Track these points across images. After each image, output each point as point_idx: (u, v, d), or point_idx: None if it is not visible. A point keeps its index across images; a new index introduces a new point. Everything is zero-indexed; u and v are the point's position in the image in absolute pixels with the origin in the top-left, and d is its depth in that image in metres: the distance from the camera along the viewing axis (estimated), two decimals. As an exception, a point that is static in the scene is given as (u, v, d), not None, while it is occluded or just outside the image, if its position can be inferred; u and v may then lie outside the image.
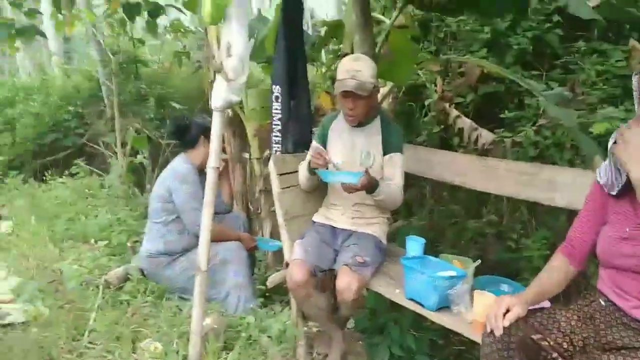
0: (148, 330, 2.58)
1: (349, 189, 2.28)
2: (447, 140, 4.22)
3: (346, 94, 2.36)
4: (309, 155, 2.47)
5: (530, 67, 4.04)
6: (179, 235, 3.08)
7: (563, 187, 2.21)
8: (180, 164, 3.10)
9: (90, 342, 2.50)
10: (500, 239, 3.65)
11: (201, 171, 2.97)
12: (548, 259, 1.83)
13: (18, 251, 3.53)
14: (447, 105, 4.36)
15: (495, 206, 3.77)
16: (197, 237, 2.87)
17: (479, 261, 2.16)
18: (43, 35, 5.94)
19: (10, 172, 5.58)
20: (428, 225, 3.96)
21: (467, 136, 4.03)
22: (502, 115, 3.84)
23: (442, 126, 4.29)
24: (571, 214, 3.06)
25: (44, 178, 5.51)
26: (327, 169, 2.42)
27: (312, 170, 2.44)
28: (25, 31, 4.98)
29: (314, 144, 2.59)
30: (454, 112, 4.24)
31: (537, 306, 1.72)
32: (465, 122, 4.09)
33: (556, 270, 1.76)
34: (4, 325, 2.61)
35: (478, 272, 2.34)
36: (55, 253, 3.51)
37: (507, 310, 1.61)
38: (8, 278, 3.03)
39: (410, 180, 4.08)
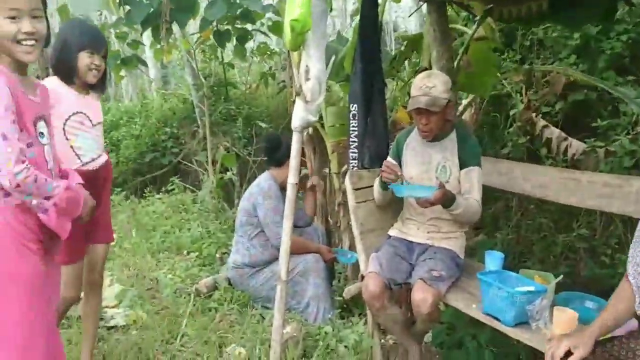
0: (233, 336, 2.74)
1: (424, 203, 2.28)
2: (535, 151, 4.06)
3: (419, 111, 2.38)
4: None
5: (626, 72, 3.80)
6: (262, 248, 3.23)
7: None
8: (264, 181, 3.26)
9: (182, 345, 2.70)
10: (593, 255, 3.44)
11: (284, 188, 3.11)
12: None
13: (121, 261, 3.87)
14: (533, 115, 4.20)
15: (587, 219, 3.56)
16: (279, 249, 3.01)
17: (561, 277, 2.07)
18: (144, 63, 6.49)
19: (114, 190, 6.11)
20: (515, 239, 3.82)
21: (556, 146, 3.85)
22: (594, 124, 3.64)
23: (529, 137, 4.14)
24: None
25: (144, 194, 5.99)
26: (401, 183, 2.44)
27: (384, 185, 2.47)
28: (129, 61, 5.49)
29: (388, 159, 2.62)
30: (541, 122, 4.07)
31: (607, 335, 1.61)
32: (554, 132, 3.92)
33: (626, 300, 1.58)
34: (109, 328, 2.88)
35: (568, 288, 2.24)
36: (152, 263, 3.81)
37: (569, 352, 1.50)
38: (112, 285, 3.34)
39: (496, 193, 3.98)
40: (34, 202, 1.58)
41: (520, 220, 3.92)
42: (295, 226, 3.28)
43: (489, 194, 4.11)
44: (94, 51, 2.18)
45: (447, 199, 2.26)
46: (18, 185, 1.49)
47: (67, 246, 1.95)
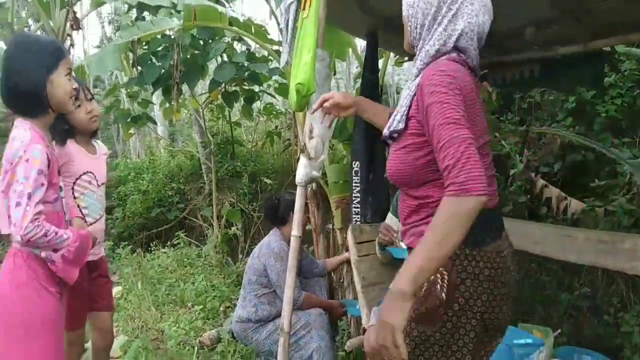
0: (236, 390, 2.72)
1: None
2: (535, 210, 4.14)
3: None
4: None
5: (622, 134, 3.93)
6: (270, 306, 3.25)
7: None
8: (274, 241, 3.31)
9: (184, 400, 2.68)
10: (597, 313, 3.44)
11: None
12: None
13: (126, 313, 3.89)
14: (533, 174, 4.31)
15: (589, 278, 3.59)
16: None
17: (559, 331, 2.11)
18: (154, 121, 6.74)
19: (121, 243, 6.18)
20: (517, 297, 3.82)
21: (556, 206, 3.94)
22: (592, 184, 3.74)
23: (529, 196, 4.23)
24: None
25: (149, 248, 6.04)
26: (396, 245, 2.50)
27: (382, 246, 2.54)
28: (139, 119, 5.71)
29: (386, 220, 2.68)
30: (541, 182, 4.18)
31: None
32: (553, 192, 4.02)
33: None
34: (112, 380, 2.87)
35: (563, 344, 2.26)
36: (157, 315, 3.83)
37: None
38: (118, 336, 3.34)
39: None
40: (43, 254, 1.71)
41: (523, 278, 3.94)
42: (305, 277, 3.34)
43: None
44: (85, 98, 2.22)
45: None
46: (29, 240, 1.61)
47: (71, 314, 2.02)
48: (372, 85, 3.19)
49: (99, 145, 2.46)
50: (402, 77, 18.57)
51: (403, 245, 2.34)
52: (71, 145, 2.23)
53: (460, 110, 1.27)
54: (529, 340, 1.96)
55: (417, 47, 1.49)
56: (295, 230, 2.44)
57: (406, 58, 3.59)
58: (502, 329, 1.53)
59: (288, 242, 3.23)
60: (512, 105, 4.90)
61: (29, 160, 1.62)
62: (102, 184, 2.37)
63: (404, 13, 1.53)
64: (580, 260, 2.46)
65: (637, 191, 3.41)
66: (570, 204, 3.85)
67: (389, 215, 2.72)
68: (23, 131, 1.68)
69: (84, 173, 2.23)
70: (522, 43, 2.69)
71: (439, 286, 1.41)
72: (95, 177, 2.29)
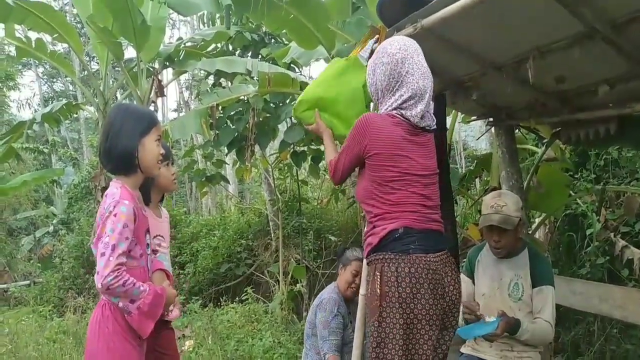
0: None
1: (490, 338, 2.30)
2: (615, 272, 3.92)
3: (491, 228, 2.47)
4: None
5: None
6: None
7: None
8: (327, 292, 3.32)
9: None
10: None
11: (348, 299, 3.20)
12: None
13: (197, 368, 3.97)
14: (612, 235, 4.11)
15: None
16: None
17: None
18: (227, 180, 7.07)
19: (192, 298, 6.37)
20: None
21: (638, 268, 3.71)
22: (679, 245, 3.52)
23: (608, 257, 4.02)
24: None
25: (219, 303, 6.19)
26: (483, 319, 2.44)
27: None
28: (213, 178, 6.03)
29: (464, 301, 2.61)
30: (621, 242, 3.96)
31: None
32: (635, 253, 3.79)
33: None
34: None
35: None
36: (226, 371, 3.88)
37: None
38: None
39: (576, 316, 3.80)
40: (121, 304, 1.81)
41: (604, 345, 3.69)
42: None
43: (568, 316, 3.93)
44: (168, 161, 2.35)
45: (511, 327, 2.26)
46: (108, 288, 1.72)
47: None
48: (439, 143, 3.22)
49: (163, 210, 2.59)
50: (470, 134, 18.45)
51: (489, 318, 2.30)
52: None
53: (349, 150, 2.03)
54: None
55: (378, 107, 2.05)
56: (362, 289, 2.46)
57: (474, 117, 3.62)
58: (442, 322, 1.90)
59: (340, 294, 3.25)
60: (587, 162, 4.75)
61: (117, 214, 1.77)
62: (168, 246, 2.47)
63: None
64: (668, 327, 2.29)
65: None
66: (655, 266, 3.62)
67: (462, 276, 2.68)
68: (115, 189, 1.85)
69: (155, 236, 2.30)
70: (596, 101, 2.65)
71: (377, 284, 1.85)
72: (164, 239, 2.41)
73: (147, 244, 1.98)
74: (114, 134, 1.88)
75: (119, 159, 1.89)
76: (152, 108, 6.06)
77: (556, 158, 3.87)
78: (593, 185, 4.33)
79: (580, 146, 3.93)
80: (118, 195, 1.82)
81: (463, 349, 2.61)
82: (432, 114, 2.04)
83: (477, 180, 5.63)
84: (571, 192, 4.34)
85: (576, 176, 4.76)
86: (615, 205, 4.11)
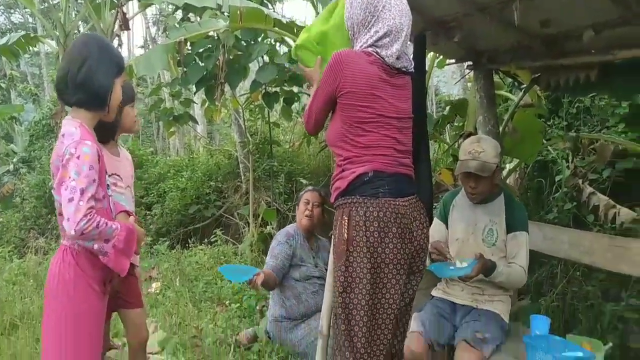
0: (273, 390, 2.71)
1: (465, 278, 2.30)
2: (581, 218, 4.01)
3: (468, 175, 2.43)
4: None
5: (676, 141, 3.77)
6: (296, 300, 3.25)
7: None
8: (288, 226, 3.45)
9: (221, 397, 2.69)
10: (645, 326, 3.29)
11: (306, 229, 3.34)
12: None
13: (164, 309, 3.94)
14: (580, 181, 4.17)
15: (638, 288, 3.44)
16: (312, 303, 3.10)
17: (610, 344, 2.01)
18: (195, 120, 6.85)
19: (159, 239, 6.29)
20: (560, 307, 3.70)
21: (604, 214, 3.79)
22: (644, 192, 3.60)
23: (575, 203, 4.10)
24: None
25: (187, 245, 6.14)
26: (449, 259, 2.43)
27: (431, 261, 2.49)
28: (180, 117, 5.80)
29: (435, 241, 2.59)
30: (588, 189, 4.04)
31: None
32: (601, 199, 3.87)
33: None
34: (151, 375, 2.91)
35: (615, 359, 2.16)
36: (194, 312, 3.87)
37: None
38: (156, 332, 3.39)
39: (540, 258, 3.90)
40: (96, 246, 1.74)
41: (566, 287, 3.82)
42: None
43: (534, 259, 4.03)
44: (133, 103, 2.34)
45: (486, 269, 2.27)
46: (82, 233, 1.64)
47: None
48: (418, 86, 3.14)
49: (122, 150, 2.48)
50: (442, 79, 18.37)
51: (459, 264, 2.29)
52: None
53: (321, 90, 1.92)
54: (580, 354, 1.88)
55: (354, 44, 1.94)
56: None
57: (453, 60, 3.52)
58: (410, 267, 1.90)
59: (298, 229, 3.31)
60: (560, 110, 4.76)
61: (80, 156, 1.66)
62: (128, 186, 2.38)
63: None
64: (633, 272, 2.34)
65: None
66: (619, 212, 3.70)
67: (435, 220, 2.66)
68: (73, 129, 1.72)
69: (111, 175, 2.20)
70: (579, 47, 2.59)
71: (344, 228, 1.83)
72: (120, 178, 2.31)
73: (108, 185, 1.87)
74: (92, 67, 1.75)
75: (94, 94, 1.77)
76: (116, 42, 5.72)
77: (532, 104, 3.84)
78: (566, 133, 4.35)
79: (558, 93, 3.89)
80: (78, 135, 1.70)
81: (434, 292, 2.63)
82: (409, 56, 1.95)
83: (448, 126, 5.60)
84: (543, 139, 4.36)
85: (548, 123, 4.78)
86: (588, 152, 4.14)
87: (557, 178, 4.38)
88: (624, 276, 3.08)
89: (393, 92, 1.88)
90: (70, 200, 1.63)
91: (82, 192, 1.64)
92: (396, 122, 1.89)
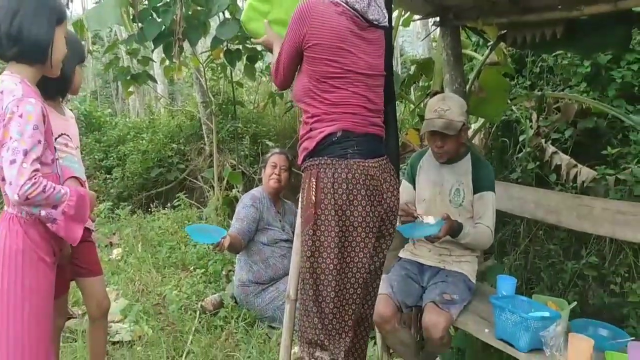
0: (239, 355, 2.70)
1: (432, 239, 2.30)
2: (544, 177, 4.06)
3: (434, 133, 2.39)
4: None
5: (636, 100, 3.82)
6: (264, 264, 3.22)
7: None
8: (254, 189, 3.43)
9: (187, 363, 2.65)
10: (603, 283, 3.41)
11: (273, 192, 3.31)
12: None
13: (126, 275, 3.85)
14: (543, 141, 4.21)
15: (597, 247, 3.54)
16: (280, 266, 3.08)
17: (575, 303, 2.05)
18: (154, 80, 6.56)
19: (120, 204, 6.11)
20: (523, 265, 3.79)
21: (565, 173, 3.85)
22: (604, 152, 3.65)
23: (538, 163, 4.14)
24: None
25: (149, 209, 5.99)
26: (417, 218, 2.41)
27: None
28: (138, 76, 5.54)
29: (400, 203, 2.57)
30: (551, 149, 4.08)
31: None
32: (563, 159, 3.92)
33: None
34: (114, 343, 2.84)
35: (578, 316, 2.22)
36: (158, 278, 3.79)
37: None
38: (118, 299, 3.30)
39: (504, 218, 3.96)
40: (43, 212, 1.60)
41: (529, 246, 3.90)
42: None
43: (498, 219, 4.10)
44: (83, 63, 2.19)
45: (453, 231, 2.27)
46: (27, 198, 1.51)
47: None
48: (385, 44, 3.04)
49: (65, 108, 2.32)
50: (407, 39, 18.20)
51: (426, 219, 2.27)
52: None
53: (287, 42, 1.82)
54: (546, 314, 1.91)
55: None
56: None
57: (420, 16, 3.42)
58: (379, 230, 1.86)
59: (264, 193, 3.26)
60: (523, 70, 4.75)
61: (23, 115, 1.52)
62: (77, 147, 2.25)
63: None
64: (596, 231, 2.39)
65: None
66: (580, 171, 3.77)
67: (403, 181, 2.63)
68: (13, 85, 1.56)
69: (60, 135, 2.08)
70: (546, 2, 2.53)
71: (312, 191, 1.78)
72: (70, 138, 2.18)
73: (55, 148, 1.73)
74: (27, 16, 1.58)
75: (32, 45, 1.60)
76: (64, -4, 5.37)
77: (499, 62, 3.79)
78: (531, 92, 4.36)
79: (525, 50, 3.86)
80: (19, 91, 1.54)
81: (402, 254, 2.62)
82: (382, 9, 1.85)
83: (413, 86, 5.54)
84: (509, 100, 4.35)
85: (513, 83, 4.77)
86: (552, 111, 4.17)
87: (521, 138, 4.41)
88: (585, 235, 3.16)
89: (364, 47, 1.79)
90: (13, 162, 1.50)
91: (26, 153, 1.51)
92: (367, 79, 1.80)
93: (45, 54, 1.64)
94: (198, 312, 3.17)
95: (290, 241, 3.27)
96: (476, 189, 2.41)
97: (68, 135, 2.16)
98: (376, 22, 1.81)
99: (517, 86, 4.74)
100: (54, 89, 2.06)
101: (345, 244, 1.78)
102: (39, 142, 1.55)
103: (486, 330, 2.12)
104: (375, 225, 1.82)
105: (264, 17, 2.03)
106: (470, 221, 2.38)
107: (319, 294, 1.80)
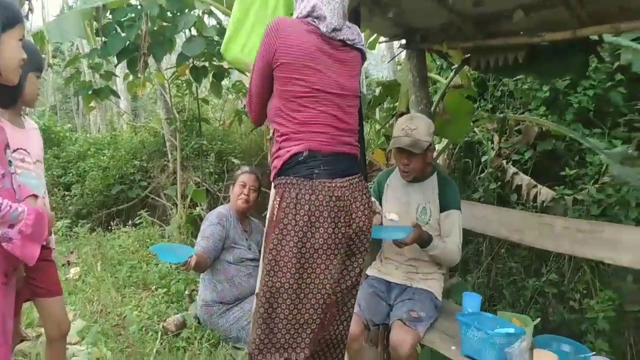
0: (203, 377, 2.62)
1: (399, 244, 2.31)
2: (505, 197, 4.17)
3: (400, 151, 2.42)
4: None
5: (591, 125, 3.99)
6: (229, 284, 3.15)
7: (629, 246, 2.14)
8: (216, 209, 3.38)
9: (148, 387, 2.56)
10: (562, 299, 3.50)
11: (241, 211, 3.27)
12: (613, 321, 1.75)
13: (84, 295, 3.70)
14: (504, 162, 4.33)
15: (556, 265, 3.64)
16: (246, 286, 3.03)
17: (539, 319, 2.09)
18: (117, 95, 6.43)
19: (79, 221, 5.91)
20: (485, 283, 3.86)
21: (526, 193, 3.97)
22: (562, 173, 3.78)
23: (499, 183, 4.26)
24: (638, 274, 2.94)
25: (110, 227, 5.81)
26: (381, 223, 2.45)
27: None
28: (100, 91, 5.41)
29: None
30: (512, 169, 4.21)
31: None
32: (524, 179, 4.05)
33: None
34: (70, 366, 2.71)
35: (539, 332, 2.25)
36: (117, 298, 3.65)
37: None
38: (75, 320, 3.17)
39: (467, 236, 4.02)
40: None
41: (491, 264, 3.98)
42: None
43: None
44: (40, 73, 2.08)
45: (422, 240, 2.29)
46: None
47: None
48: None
49: (28, 120, 2.23)
50: (372, 62, 18.53)
51: (394, 217, 2.28)
52: None
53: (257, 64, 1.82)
54: (511, 330, 1.93)
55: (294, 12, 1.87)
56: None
57: (386, 38, 3.49)
58: (349, 249, 1.84)
59: (232, 211, 3.23)
60: (485, 93, 4.91)
61: None
62: (37, 160, 2.15)
63: None
64: (557, 248, 2.46)
65: (608, 181, 3.45)
66: (540, 192, 3.89)
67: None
68: None
69: (15, 150, 1.98)
70: (509, 28, 2.63)
71: (275, 209, 1.77)
72: (28, 153, 2.08)
73: (10, 161, 1.65)
74: None
75: None
76: (26, 7, 5.22)
77: (462, 85, 3.90)
78: (493, 114, 4.49)
79: (488, 73, 3.98)
80: None
81: (369, 271, 2.62)
82: (356, 30, 1.85)
83: (378, 107, 5.64)
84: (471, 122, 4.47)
85: (475, 105, 4.91)
86: (513, 133, 4.30)
87: (483, 159, 4.53)
88: (545, 253, 3.24)
89: (335, 66, 1.78)
90: None
91: None
92: (337, 98, 1.79)
93: None
94: (160, 333, 3.06)
95: (256, 260, 3.23)
96: (442, 208, 2.44)
97: (25, 150, 2.08)
98: (350, 43, 1.81)
99: (479, 109, 4.89)
100: (4, 96, 1.96)
101: (305, 265, 1.74)
102: None
103: (453, 347, 2.14)
104: (340, 246, 1.79)
105: (246, 59, 2.09)
106: (438, 239, 2.41)
107: (272, 311, 1.76)
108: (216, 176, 6.37)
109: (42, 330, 2.39)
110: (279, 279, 1.74)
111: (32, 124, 2.24)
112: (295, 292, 1.74)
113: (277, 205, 1.75)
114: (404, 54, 3.46)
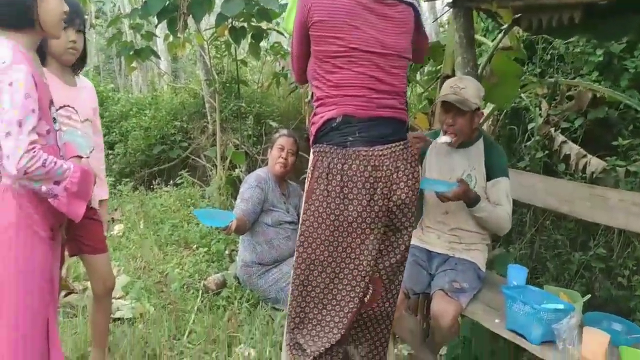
0: (242, 336, 2.67)
1: (441, 198, 2.24)
2: (552, 166, 4.01)
3: (447, 109, 2.32)
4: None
5: (650, 91, 3.75)
6: (268, 246, 3.18)
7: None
8: (258, 170, 3.38)
9: (189, 342, 2.63)
10: (610, 275, 3.38)
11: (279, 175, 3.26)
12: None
13: (128, 252, 3.82)
14: (552, 130, 4.14)
15: (605, 238, 3.50)
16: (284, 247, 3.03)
17: (589, 295, 2.01)
18: (157, 55, 6.45)
19: (122, 180, 6.06)
20: (528, 255, 3.76)
21: (574, 163, 3.80)
22: (614, 143, 3.59)
23: (547, 152, 4.09)
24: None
25: (152, 186, 5.94)
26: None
27: None
28: (142, 52, 5.43)
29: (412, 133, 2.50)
30: (560, 138, 4.02)
31: None
32: (573, 149, 3.87)
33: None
34: (115, 319, 2.81)
35: (585, 309, 2.18)
36: (160, 256, 3.75)
37: None
38: (119, 276, 3.27)
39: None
40: (44, 188, 1.53)
41: (535, 235, 3.86)
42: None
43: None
44: (69, 24, 1.95)
45: (468, 198, 2.21)
46: (26, 172, 1.45)
47: None
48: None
49: (82, 78, 2.22)
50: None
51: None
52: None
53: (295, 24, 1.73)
54: (560, 306, 1.86)
55: None
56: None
57: (434, -3, 3.32)
58: (392, 223, 1.73)
59: (270, 174, 3.25)
60: (534, 56, 4.67)
61: (13, 83, 1.43)
62: (87, 119, 2.16)
63: None
64: (611, 222, 2.34)
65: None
66: (590, 162, 3.71)
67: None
68: (5, 51, 1.47)
69: (62, 107, 1.99)
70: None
71: (309, 177, 1.71)
72: (76, 111, 2.09)
73: (54, 118, 1.66)
74: None
75: (9, 6, 1.49)
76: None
77: (511, 47, 3.70)
78: (542, 79, 4.28)
79: (539, 34, 3.76)
80: (9, 58, 1.45)
81: (410, 240, 2.57)
82: None
83: (419, 71, 5.45)
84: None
85: (523, 69, 4.69)
86: (566, 98, 4.10)
87: (530, 126, 4.34)
88: (593, 226, 3.11)
89: (377, 23, 1.65)
90: (8, 134, 1.43)
91: (21, 124, 1.43)
92: (377, 57, 1.67)
93: (28, 16, 1.52)
94: (200, 291, 3.14)
95: (294, 223, 3.23)
96: (489, 175, 2.35)
97: (72, 107, 2.09)
98: None
99: (527, 73, 4.66)
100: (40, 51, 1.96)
101: (340, 239, 1.68)
102: (33, 111, 1.47)
103: (496, 320, 2.08)
104: (377, 221, 1.69)
105: None
106: (487, 202, 2.32)
107: (307, 283, 1.73)
108: (255, 139, 6.38)
109: (89, 284, 2.46)
110: (313, 251, 1.70)
111: (85, 82, 2.24)
112: (330, 266, 1.69)
113: (310, 175, 1.70)
114: (447, 14, 3.29)
